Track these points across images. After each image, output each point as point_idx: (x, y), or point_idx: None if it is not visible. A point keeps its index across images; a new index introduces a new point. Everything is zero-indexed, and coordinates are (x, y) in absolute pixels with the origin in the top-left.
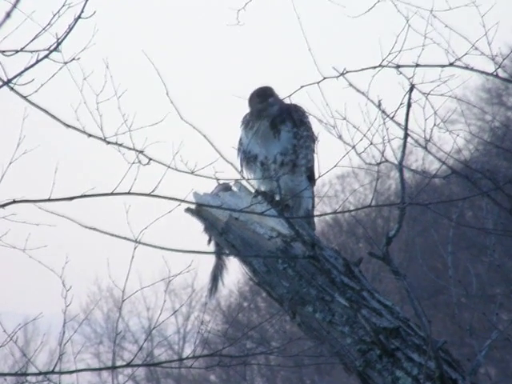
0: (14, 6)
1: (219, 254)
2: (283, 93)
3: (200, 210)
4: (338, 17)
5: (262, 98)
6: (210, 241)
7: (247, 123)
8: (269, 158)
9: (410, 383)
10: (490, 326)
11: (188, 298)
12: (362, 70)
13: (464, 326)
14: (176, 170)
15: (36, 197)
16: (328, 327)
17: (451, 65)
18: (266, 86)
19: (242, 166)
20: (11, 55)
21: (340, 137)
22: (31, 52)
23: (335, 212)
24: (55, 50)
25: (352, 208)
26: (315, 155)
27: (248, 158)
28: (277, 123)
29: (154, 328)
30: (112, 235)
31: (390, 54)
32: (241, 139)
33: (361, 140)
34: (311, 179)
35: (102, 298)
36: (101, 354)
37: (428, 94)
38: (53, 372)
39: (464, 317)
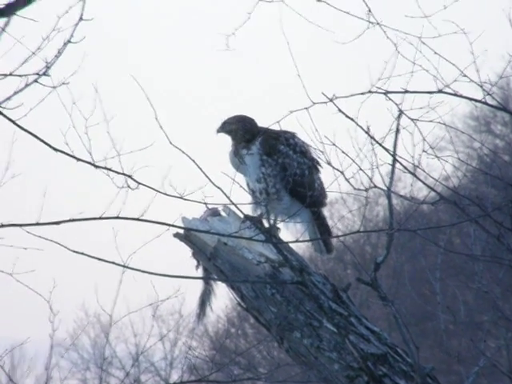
0: (3, 29)
1: (207, 279)
2: (272, 118)
3: (188, 235)
4: (328, 43)
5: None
6: (198, 266)
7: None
8: (253, 186)
9: None
10: (478, 352)
11: (175, 324)
12: (351, 95)
13: (452, 353)
14: (165, 194)
15: (24, 221)
16: (316, 353)
17: (440, 91)
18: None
19: None
20: (0, 79)
21: (329, 162)
22: (20, 76)
23: (323, 237)
24: (44, 74)
25: (340, 234)
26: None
27: (247, 185)
28: (239, 149)
29: (141, 354)
30: (100, 260)
31: (379, 80)
32: None
33: (350, 166)
34: (312, 204)
35: (89, 323)
36: (87, 380)
37: (417, 120)
38: None
39: (452, 343)
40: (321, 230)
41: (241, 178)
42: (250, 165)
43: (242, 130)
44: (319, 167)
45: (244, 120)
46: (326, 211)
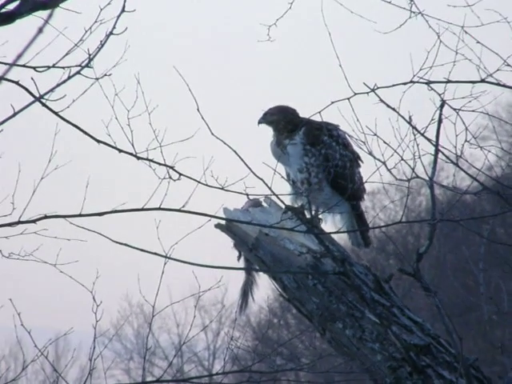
0: (46, 21)
1: (249, 269)
2: (314, 109)
3: (230, 226)
4: (369, 33)
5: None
6: (239, 256)
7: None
8: (294, 176)
9: None
10: None
11: (218, 314)
12: (393, 85)
13: (495, 344)
14: (206, 185)
15: (67, 212)
16: (358, 344)
17: (483, 81)
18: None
19: None
20: (43, 71)
21: (370, 153)
22: (63, 68)
23: (365, 228)
24: (87, 65)
25: (382, 224)
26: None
27: (287, 175)
28: (281, 139)
29: (183, 344)
30: (142, 250)
31: (421, 69)
32: None
33: (391, 156)
34: (352, 197)
35: (133, 313)
36: (131, 369)
37: (459, 109)
38: None
39: (495, 334)
40: (359, 224)
41: (282, 168)
42: (293, 154)
43: (283, 121)
44: (360, 162)
45: (286, 110)
46: (367, 201)
